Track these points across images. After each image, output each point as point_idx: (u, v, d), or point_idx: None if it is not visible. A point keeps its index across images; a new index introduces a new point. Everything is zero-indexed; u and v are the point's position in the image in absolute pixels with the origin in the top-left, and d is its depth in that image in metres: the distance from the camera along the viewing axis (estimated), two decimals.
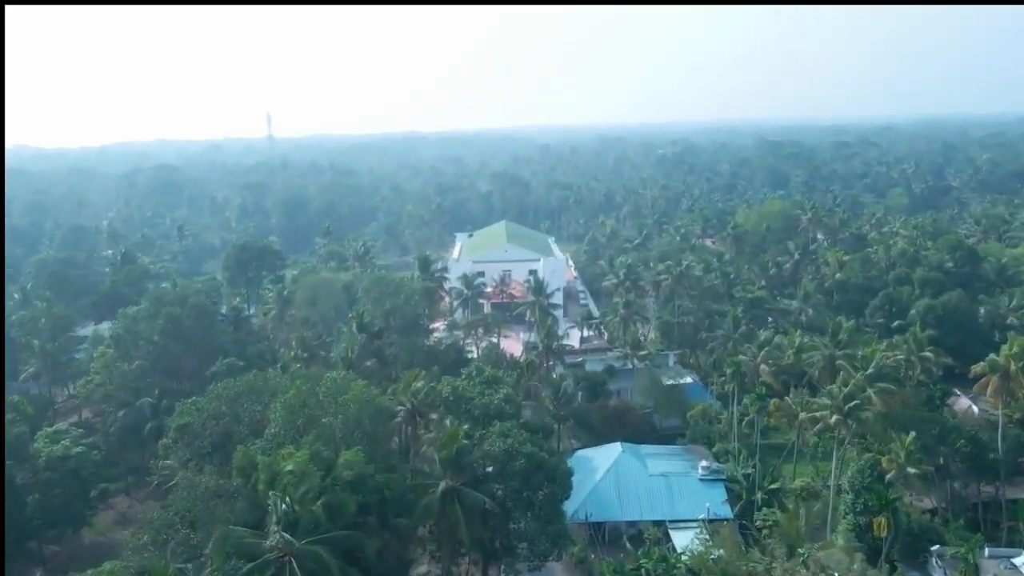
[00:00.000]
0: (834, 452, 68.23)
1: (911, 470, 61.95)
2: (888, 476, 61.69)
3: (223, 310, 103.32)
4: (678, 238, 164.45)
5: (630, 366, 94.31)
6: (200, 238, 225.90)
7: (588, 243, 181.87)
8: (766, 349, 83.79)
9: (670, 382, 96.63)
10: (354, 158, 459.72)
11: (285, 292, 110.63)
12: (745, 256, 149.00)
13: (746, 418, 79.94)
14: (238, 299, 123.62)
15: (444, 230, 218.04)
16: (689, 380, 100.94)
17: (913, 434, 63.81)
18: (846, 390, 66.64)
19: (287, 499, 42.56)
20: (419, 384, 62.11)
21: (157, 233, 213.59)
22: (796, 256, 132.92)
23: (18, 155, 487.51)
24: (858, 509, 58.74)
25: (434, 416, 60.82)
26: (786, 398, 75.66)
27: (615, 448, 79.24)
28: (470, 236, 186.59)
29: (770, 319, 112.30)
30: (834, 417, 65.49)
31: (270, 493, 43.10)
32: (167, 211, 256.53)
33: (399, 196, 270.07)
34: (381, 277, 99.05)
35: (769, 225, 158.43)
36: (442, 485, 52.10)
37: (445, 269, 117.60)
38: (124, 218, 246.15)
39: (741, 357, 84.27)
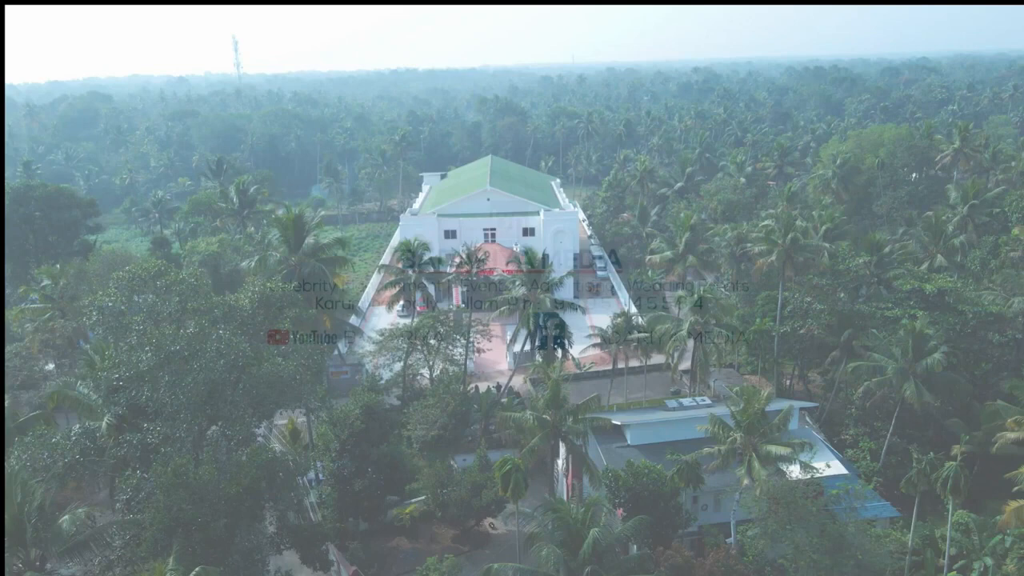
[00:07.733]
0: None
1: None
2: None
3: None
4: (742, 180, 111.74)
5: (733, 462, 42.97)
6: (97, 179, 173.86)
7: (608, 187, 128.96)
8: None
9: (802, 475, 45.83)
10: (330, 90, 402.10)
11: (63, 282, 59.13)
12: (855, 206, 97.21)
13: None
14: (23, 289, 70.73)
15: (416, 170, 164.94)
16: (841, 468, 50.28)
17: None
18: None
19: None
20: None
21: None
22: (963, 210, 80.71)
23: None
24: None
25: None
26: None
27: None
28: (442, 177, 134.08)
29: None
30: None
31: None
32: (72, 146, 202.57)
33: (363, 128, 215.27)
34: (158, 271, 44.64)
35: (882, 160, 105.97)
36: None
37: (340, 243, 61.45)
38: (9, 153, 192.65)
39: None
